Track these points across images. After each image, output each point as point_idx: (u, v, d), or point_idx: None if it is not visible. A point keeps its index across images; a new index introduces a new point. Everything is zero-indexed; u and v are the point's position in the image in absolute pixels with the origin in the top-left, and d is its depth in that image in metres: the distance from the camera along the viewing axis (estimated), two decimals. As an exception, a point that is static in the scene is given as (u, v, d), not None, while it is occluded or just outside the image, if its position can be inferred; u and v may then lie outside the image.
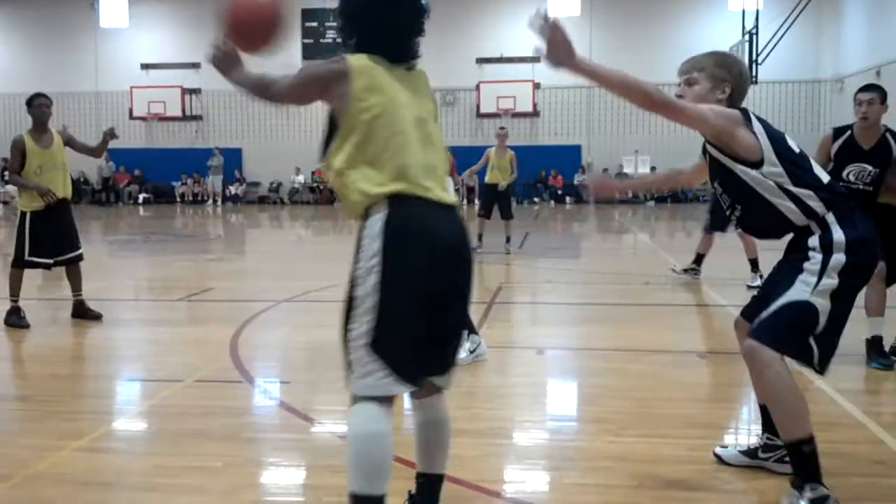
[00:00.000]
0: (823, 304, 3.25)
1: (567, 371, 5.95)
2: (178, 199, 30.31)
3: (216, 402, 4.99)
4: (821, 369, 3.32)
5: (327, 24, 29.67)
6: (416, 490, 3.11)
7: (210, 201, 29.69)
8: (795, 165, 3.38)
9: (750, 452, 3.82)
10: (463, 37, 28.60)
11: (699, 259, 9.76)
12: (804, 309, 3.26)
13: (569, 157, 28.84)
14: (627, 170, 28.18)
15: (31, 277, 10.14)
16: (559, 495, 3.59)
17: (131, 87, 29.77)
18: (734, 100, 3.54)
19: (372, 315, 2.71)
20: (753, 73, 24.32)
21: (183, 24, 30.34)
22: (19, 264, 7.31)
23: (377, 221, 2.74)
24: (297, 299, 8.61)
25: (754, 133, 3.37)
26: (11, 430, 4.55)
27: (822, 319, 3.25)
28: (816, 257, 3.29)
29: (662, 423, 4.49)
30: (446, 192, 2.90)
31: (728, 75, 3.54)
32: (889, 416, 4.54)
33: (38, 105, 7.23)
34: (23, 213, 7.29)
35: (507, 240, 12.83)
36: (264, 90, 2.95)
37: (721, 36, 26.70)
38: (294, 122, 30.05)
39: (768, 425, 3.70)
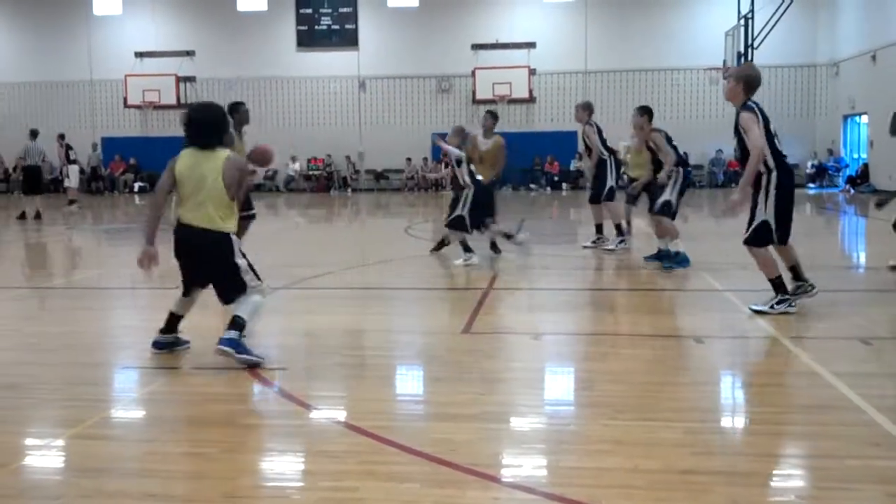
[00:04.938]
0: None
1: (563, 356, 5.96)
2: (174, 188, 30.17)
3: (213, 389, 5.00)
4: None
5: (322, 10, 29.55)
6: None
7: (205, 189, 29.59)
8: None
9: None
10: (458, 23, 28.47)
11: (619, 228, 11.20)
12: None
13: (565, 143, 28.79)
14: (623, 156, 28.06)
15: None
16: (555, 479, 3.59)
17: (126, 76, 29.58)
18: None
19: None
20: (749, 58, 24.27)
21: (177, 12, 30.18)
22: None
23: None
24: (294, 287, 8.60)
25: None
26: (6, 417, 4.53)
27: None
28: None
29: (659, 407, 4.50)
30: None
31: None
32: (884, 398, 4.55)
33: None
34: None
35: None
36: None
37: (717, 21, 26.70)
38: (290, 110, 29.99)
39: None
